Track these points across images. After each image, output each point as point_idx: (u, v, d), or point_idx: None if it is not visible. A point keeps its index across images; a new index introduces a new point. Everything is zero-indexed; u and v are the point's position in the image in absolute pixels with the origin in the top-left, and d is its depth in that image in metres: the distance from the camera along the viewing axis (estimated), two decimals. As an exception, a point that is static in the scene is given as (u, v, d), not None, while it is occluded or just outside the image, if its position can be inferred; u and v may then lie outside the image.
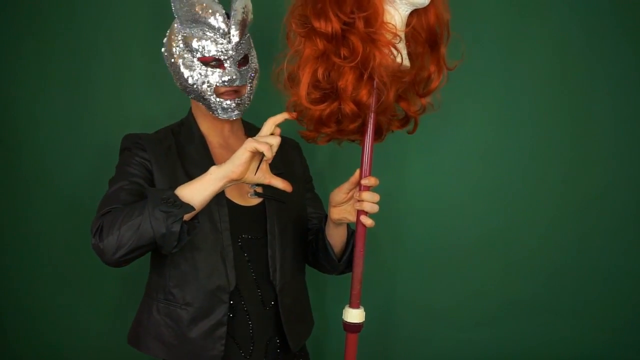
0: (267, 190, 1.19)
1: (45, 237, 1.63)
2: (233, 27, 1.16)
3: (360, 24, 0.93)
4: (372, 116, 1.02)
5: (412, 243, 1.75)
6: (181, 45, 1.18)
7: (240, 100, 1.20)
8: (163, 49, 1.23)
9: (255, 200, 1.23)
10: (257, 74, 1.24)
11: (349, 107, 0.98)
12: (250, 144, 0.99)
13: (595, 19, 1.66)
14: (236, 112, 1.20)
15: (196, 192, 1.02)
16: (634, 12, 1.66)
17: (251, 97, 1.24)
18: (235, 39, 1.16)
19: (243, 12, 1.17)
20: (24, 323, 1.66)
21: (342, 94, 0.97)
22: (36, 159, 1.61)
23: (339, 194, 1.12)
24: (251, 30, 1.25)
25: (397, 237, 1.74)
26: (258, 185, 1.16)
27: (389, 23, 0.95)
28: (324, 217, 1.27)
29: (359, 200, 1.06)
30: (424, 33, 1.02)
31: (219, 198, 1.15)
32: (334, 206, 1.14)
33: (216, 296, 1.15)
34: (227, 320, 1.16)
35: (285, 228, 1.24)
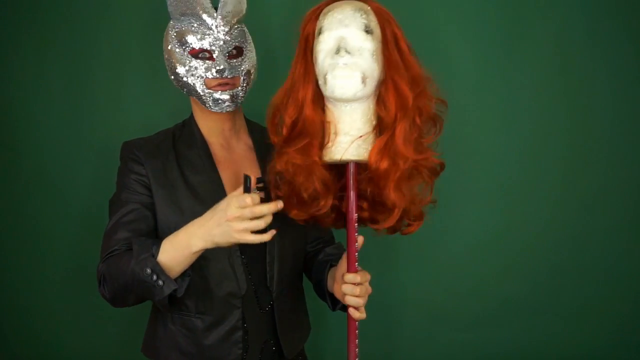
0: (269, 196, 1.18)
1: (45, 238, 1.63)
2: (220, 17, 1.14)
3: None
4: (351, 210, 1.01)
5: (411, 243, 1.74)
6: (174, 41, 1.17)
7: (233, 92, 1.17)
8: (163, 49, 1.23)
9: None
10: (254, 68, 1.21)
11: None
12: (235, 236, 0.97)
13: (596, 19, 1.66)
14: (227, 103, 1.17)
15: (175, 263, 1.02)
16: (634, 11, 1.66)
17: (246, 90, 1.20)
18: (223, 29, 1.15)
19: (233, 3, 1.16)
20: (23, 325, 1.65)
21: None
22: (36, 159, 1.61)
23: (337, 270, 1.12)
24: (249, 29, 1.24)
25: (395, 237, 1.73)
26: (260, 190, 1.15)
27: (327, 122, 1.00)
28: (329, 240, 1.29)
29: (343, 294, 1.03)
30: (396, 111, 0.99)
31: None
32: (336, 282, 1.12)
33: (229, 302, 1.16)
34: (242, 324, 1.16)
35: (285, 235, 1.21)
